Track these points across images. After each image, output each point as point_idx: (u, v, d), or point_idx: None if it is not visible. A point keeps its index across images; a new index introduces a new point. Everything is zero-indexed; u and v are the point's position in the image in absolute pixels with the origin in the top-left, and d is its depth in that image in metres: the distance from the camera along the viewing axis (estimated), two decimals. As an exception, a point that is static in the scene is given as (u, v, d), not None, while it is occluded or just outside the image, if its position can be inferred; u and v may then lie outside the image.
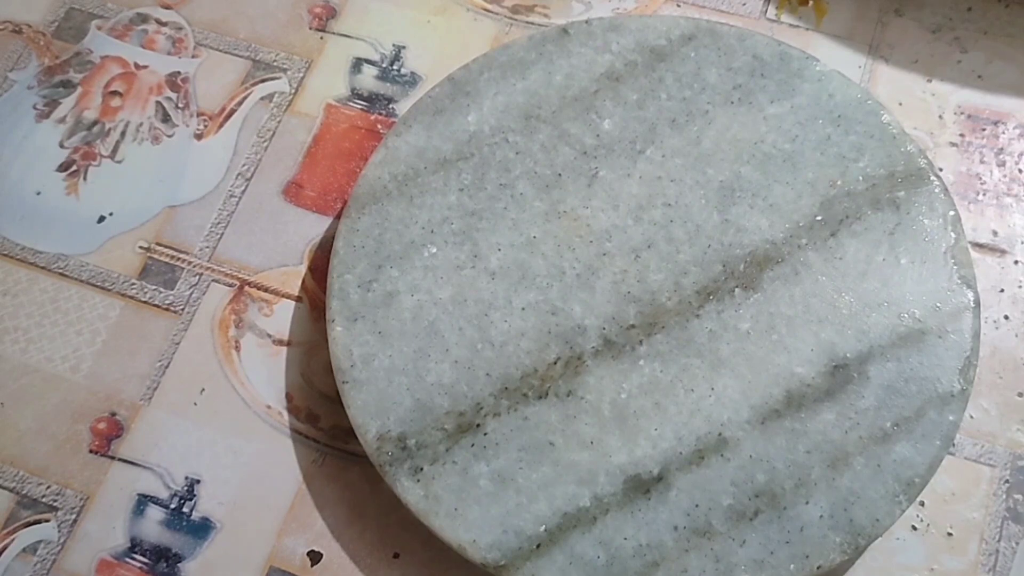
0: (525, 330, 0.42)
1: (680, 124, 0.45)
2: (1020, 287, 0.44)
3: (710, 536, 0.38)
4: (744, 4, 0.51)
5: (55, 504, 0.43)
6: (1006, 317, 0.43)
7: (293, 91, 0.51)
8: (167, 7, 0.54)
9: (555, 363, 0.41)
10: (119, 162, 0.50)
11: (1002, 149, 0.47)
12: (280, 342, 0.46)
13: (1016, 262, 0.45)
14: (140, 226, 0.48)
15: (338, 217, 0.47)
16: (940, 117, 0.47)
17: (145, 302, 0.47)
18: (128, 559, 0.42)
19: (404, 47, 0.52)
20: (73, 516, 0.43)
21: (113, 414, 0.45)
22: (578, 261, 0.43)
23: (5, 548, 0.43)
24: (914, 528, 0.40)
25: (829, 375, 0.40)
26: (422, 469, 0.40)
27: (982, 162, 0.46)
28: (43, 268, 0.48)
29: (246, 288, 0.47)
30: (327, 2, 0.53)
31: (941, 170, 0.46)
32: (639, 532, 0.38)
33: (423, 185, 0.45)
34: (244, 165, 0.49)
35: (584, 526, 0.39)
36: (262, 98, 0.51)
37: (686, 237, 0.43)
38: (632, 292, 0.42)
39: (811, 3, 0.51)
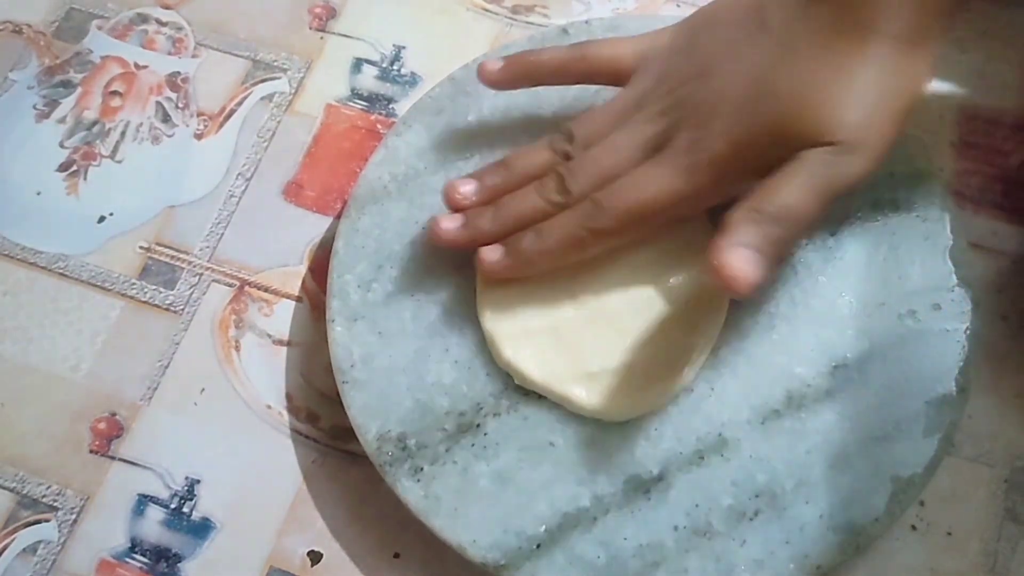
0: (525, 330, 0.42)
1: (680, 124, 0.45)
2: (1019, 287, 0.44)
3: (710, 536, 0.38)
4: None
5: (55, 504, 0.43)
6: (1005, 318, 0.43)
7: (293, 91, 0.51)
8: (167, 7, 0.54)
9: (555, 363, 0.41)
10: (119, 162, 0.50)
11: (1001, 149, 0.47)
12: (280, 342, 0.46)
13: (1015, 262, 0.45)
14: (140, 226, 0.48)
15: (338, 217, 0.47)
16: (940, 117, 0.47)
17: (145, 302, 0.47)
18: (128, 559, 0.42)
19: (404, 47, 0.52)
20: (73, 516, 0.43)
21: (113, 414, 0.45)
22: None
23: (5, 548, 0.43)
24: (914, 528, 0.40)
25: (829, 375, 0.40)
26: (422, 469, 0.40)
27: (981, 162, 0.46)
28: (43, 268, 0.48)
29: (246, 288, 0.47)
30: (327, 2, 0.53)
31: (941, 170, 0.46)
32: (639, 532, 0.38)
33: (423, 185, 0.45)
34: (244, 165, 0.49)
35: (584, 526, 0.39)
36: (262, 98, 0.51)
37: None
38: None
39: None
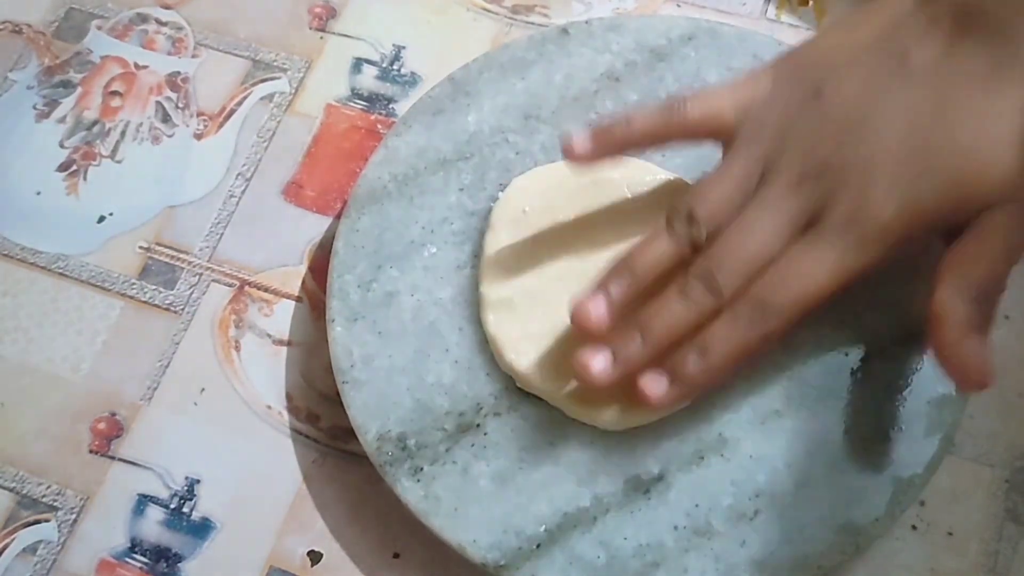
0: (525, 330, 0.42)
1: (680, 124, 0.45)
2: (1021, 287, 0.44)
3: (710, 536, 0.38)
4: (744, 4, 0.51)
5: (55, 504, 0.43)
6: (1006, 317, 0.43)
7: (293, 91, 0.51)
8: (167, 7, 0.54)
9: (555, 363, 0.41)
10: (119, 162, 0.50)
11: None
12: (280, 342, 0.46)
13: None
14: (140, 226, 0.48)
15: (338, 217, 0.47)
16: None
17: (145, 302, 0.47)
18: (128, 559, 0.42)
19: (404, 47, 0.52)
20: (73, 516, 0.43)
21: (113, 414, 0.45)
22: (578, 261, 0.43)
23: (5, 548, 0.43)
24: (914, 528, 0.40)
25: (829, 375, 0.40)
26: (422, 469, 0.40)
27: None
28: (43, 268, 0.48)
29: (246, 288, 0.47)
30: (327, 2, 0.53)
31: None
32: (639, 532, 0.38)
33: (423, 185, 0.45)
34: (244, 165, 0.49)
35: (584, 526, 0.38)
36: (262, 98, 0.51)
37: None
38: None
39: (811, 3, 0.51)
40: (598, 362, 0.36)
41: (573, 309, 0.37)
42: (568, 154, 0.39)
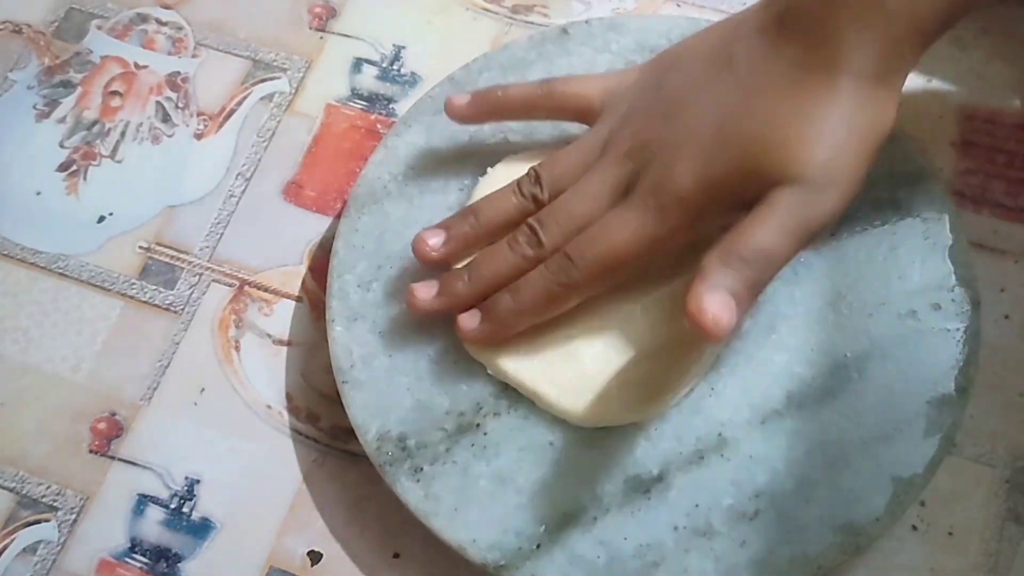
0: (525, 330, 0.42)
1: (680, 124, 0.45)
2: (1021, 287, 0.44)
3: (710, 536, 0.38)
4: (744, 4, 0.51)
5: (55, 504, 0.43)
6: (1006, 317, 0.43)
7: (293, 91, 0.51)
8: (167, 7, 0.54)
9: (555, 363, 0.41)
10: (119, 162, 0.50)
11: (1001, 149, 0.47)
12: (280, 342, 0.46)
13: (1016, 262, 0.45)
14: (140, 226, 0.48)
15: (338, 217, 0.47)
16: (940, 117, 0.47)
17: (145, 302, 0.47)
18: (128, 559, 0.42)
19: (404, 47, 0.52)
20: (73, 516, 0.43)
21: (113, 414, 0.45)
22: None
23: (5, 548, 0.43)
24: (914, 528, 0.40)
25: (829, 375, 0.40)
26: (422, 469, 0.40)
27: (982, 161, 0.46)
28: (43, 268, 0.48)
29: (246, 288, 0.47)
30: (327, 2, 0.53)
31: (941, 170, 0.46)
32: (639, 532, 0.38)
33: (423, 185, 0.45)
34: (244, 165, 0.49)
35: (584, 526, 0.38)
36: (262, 98, 0.51)
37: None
38: (632, 292, 0.42)
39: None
40: (424, 290, 0.41)
41: (413, 240, 0.41)
42: (449, 109, 0.44)
